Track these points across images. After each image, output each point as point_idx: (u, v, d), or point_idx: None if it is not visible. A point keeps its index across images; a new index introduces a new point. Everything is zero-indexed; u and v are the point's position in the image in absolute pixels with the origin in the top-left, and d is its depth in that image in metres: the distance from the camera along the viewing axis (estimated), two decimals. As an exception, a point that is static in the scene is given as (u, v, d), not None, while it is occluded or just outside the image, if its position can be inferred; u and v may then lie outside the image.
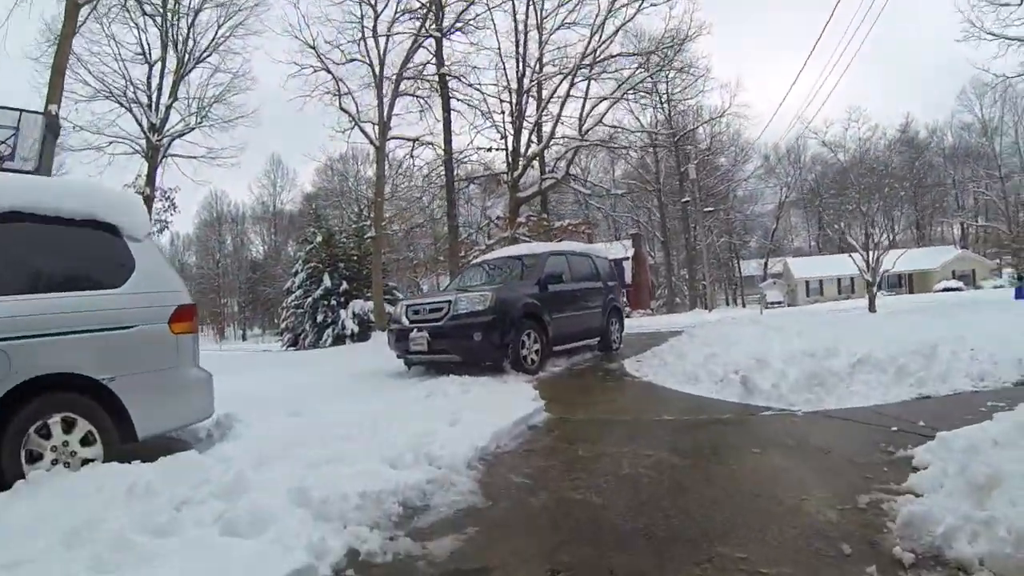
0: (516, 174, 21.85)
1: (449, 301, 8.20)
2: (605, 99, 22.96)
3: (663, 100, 39.17)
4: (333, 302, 23.15)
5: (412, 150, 21.08)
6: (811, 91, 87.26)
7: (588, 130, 22.60)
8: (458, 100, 20.68)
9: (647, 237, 52.26)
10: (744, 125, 54.45)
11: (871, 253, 19.50)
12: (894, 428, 4.87)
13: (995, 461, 3.58)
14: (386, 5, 19.38)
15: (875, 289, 19.83)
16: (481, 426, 4.98)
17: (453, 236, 21.26)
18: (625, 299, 13.08)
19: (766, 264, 63.93)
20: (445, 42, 19.95)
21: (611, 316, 11.04)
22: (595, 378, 8.73)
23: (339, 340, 21.83)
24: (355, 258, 24.45)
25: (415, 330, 8.25)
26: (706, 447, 4.79)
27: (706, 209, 41.60)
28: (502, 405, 5.95)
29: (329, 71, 19.42)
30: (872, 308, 18.87)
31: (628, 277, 33.97)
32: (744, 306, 49.12)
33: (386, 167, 20.96)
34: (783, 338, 8.92)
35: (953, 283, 47.21)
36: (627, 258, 36.16)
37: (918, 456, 4.09)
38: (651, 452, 4.67)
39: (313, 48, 19.21)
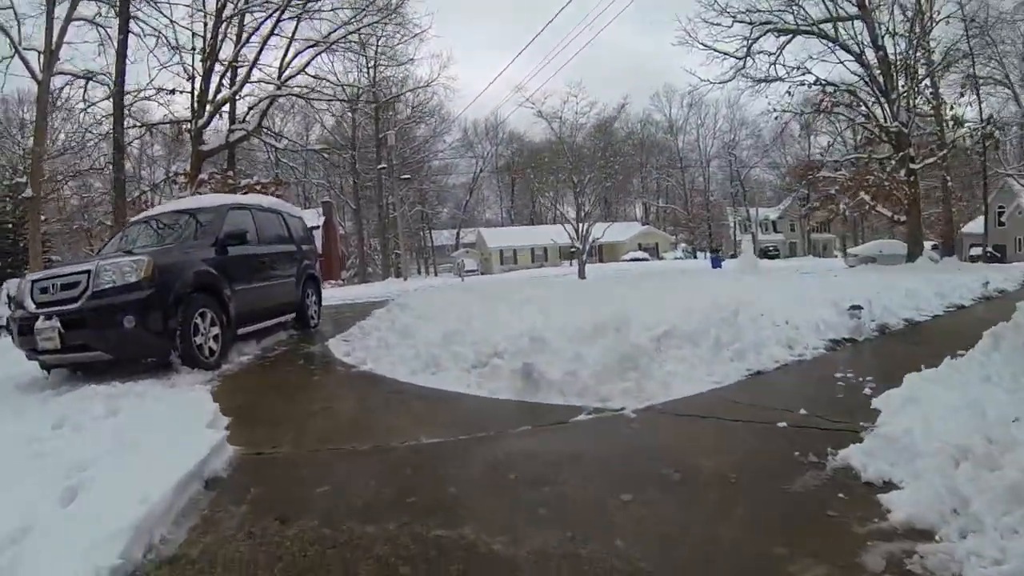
0: (201, 123, 19.39)
1: (88, 272, 5.93)
2: (313, 44, 21.25)
3: (369, 65, 37.42)
4: (-18, 284, 19.83)
5: (85, 91, 17.60)
6: (528, 73, 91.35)
7: (288, 78, 20.99)
8: (141, 25, 17.67)
9: (338, 206, 50.60)
10: (449, 97, 56.12)
11: (581, 224, 20.37)
12: (781, 424, 3.53)
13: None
14: None
15: (584, 257, 20.60)
16: (122, 497, 2.69)
17: (119, 192, 17.86)
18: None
19: (458, 234, 65.81)
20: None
21: (307, 286, 9.42)
22: (297, 370, 6.68)
23: (-7, 333, 17.81)
24: (10, 226, 20.80)
25: (43, 317, 5.85)
26: (536, 501, 2.75)
27: (403, 176, 40.79)
28: (163, 436, 3.77)
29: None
30: (582, 275, 19.31)
31: (319, 247, 31.89)
32: (437, 275, 50.00)
33: (52, 112, 17.62)
34: (517, 308, 8.03)
35: (640, 254, 54.74)
36: (317, 227, 34.11)
37: (866, 468, 2.77)
38: (443, 530, 2.49)
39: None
